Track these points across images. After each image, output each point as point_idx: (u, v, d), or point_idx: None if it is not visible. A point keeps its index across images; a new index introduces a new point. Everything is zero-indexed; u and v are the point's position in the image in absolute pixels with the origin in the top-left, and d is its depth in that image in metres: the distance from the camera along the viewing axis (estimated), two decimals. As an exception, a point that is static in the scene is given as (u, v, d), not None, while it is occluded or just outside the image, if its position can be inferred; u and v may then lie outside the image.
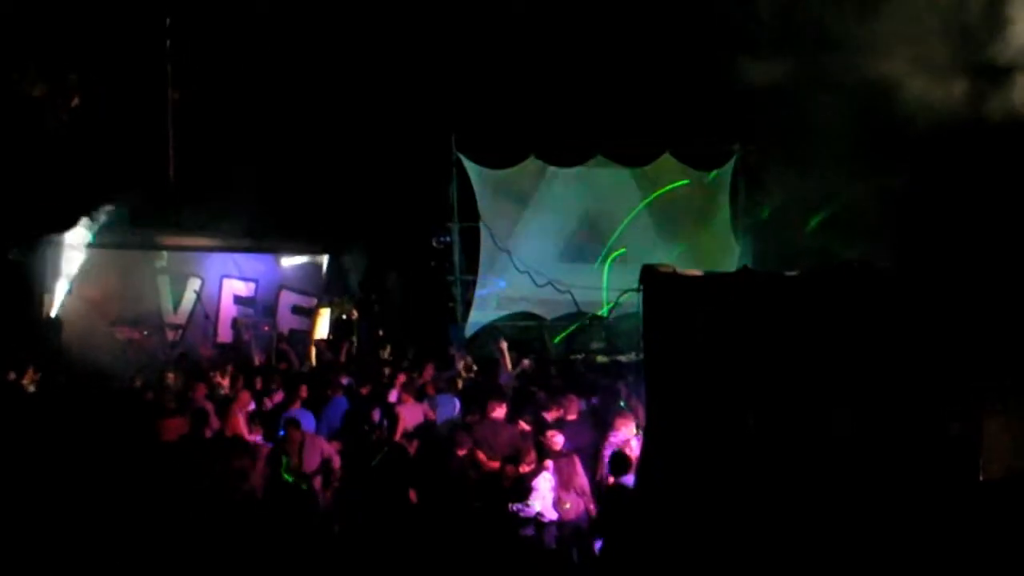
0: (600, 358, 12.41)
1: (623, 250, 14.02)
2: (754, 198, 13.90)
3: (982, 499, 4.82)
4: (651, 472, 5.98)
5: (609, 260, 14.09)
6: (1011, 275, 5.27)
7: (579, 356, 12.79)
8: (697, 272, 6.24)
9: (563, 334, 13.92)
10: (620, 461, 7.01)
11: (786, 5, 7.64)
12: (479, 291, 14.14)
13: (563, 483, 7.24)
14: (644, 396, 6.27)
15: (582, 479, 7.31)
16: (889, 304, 5.24)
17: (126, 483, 7.20)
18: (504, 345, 10.67)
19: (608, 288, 13.49)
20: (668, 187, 14.34)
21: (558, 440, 7.65)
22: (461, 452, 7.74)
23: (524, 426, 8.41)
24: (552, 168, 14.49)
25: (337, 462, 7.96)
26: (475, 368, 11.54)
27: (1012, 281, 5.19)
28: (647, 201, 14.44)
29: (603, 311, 13.39)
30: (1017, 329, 4.97)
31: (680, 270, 6.09)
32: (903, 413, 5.09)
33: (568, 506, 7.21)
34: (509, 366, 10.59)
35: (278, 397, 9.86)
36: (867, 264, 5.68)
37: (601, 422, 8.16)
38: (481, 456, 7.79)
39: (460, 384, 10.33)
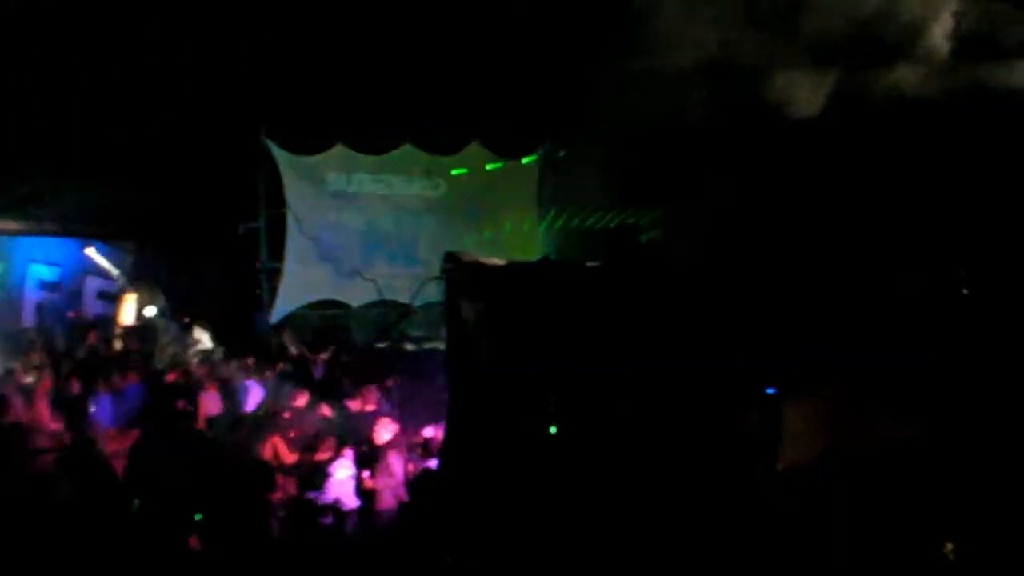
0: (409, 346, 12.54)
1: (428, 237, 14.21)
2: (559, 190, 14.28)
3: (781, 488, 4.95)
4: (454, 457, 6.07)
5: (417, 247, 14.25)
6: (811, 267, 5.56)
7: (385, 344, 12.86)
8: (500, 261, 6.35)
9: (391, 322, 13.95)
10: (425, 448, 7.10)
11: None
12: (285, 279, 13.97)
13: (374, 471, 7.28)
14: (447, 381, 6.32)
15: (395, 467, 7.36)
16: (687, 293, 5.47)
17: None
18: (292, 337, 10.66)
19: (414, 276, 13.61)
20: (463, 171, 14.59)
21: (382, 430, 7.68)
22: (266, 440, 7.70)
23: (325, 413, 8.42)
24: (360, 155, 14.47)
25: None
26: (291, 355, 11.49)
27: (810, 272, 5.49)
28: (457, 188, 14.66)
29: (408, 299, 13.50)
30: (811, 317, 5.25)
31: (483, 259, 6.19)
32: (702, 402, 5.21)
33: (377, 494, 7.25)
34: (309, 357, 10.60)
35: (78, 384, 9.48)
36: (666, 254, 5.87)
37: (406, 410, 8.27)
38: (280, 445, 7.76)
39: (271, 372, 10.25)
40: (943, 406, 5.03)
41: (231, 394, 9.28)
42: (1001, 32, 6.97)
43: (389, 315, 13.76)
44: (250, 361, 10.73)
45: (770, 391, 5.14)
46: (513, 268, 6.32)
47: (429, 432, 7.77)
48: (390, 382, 9.35)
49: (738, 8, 7.27)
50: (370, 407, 8.48)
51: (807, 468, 4.97)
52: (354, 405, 8.61)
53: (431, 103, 13.26)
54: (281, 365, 11.08)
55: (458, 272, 6.04)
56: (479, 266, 6.09)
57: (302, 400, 8.49)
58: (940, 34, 6.98)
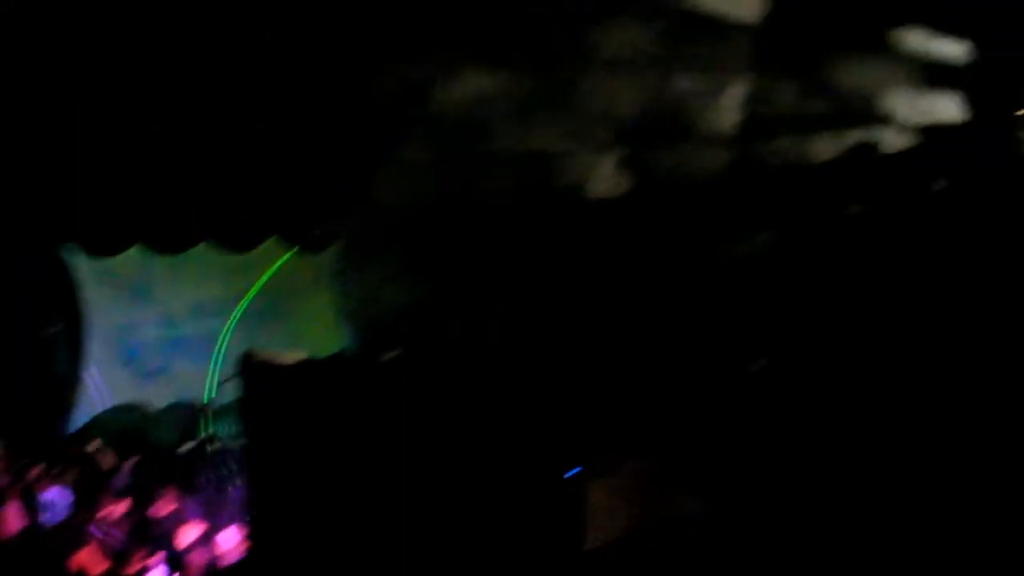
0: (211, 447, 12.59)
1: (229, 335, 14.27)
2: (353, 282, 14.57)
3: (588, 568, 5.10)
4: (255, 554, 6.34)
5: (220, 346, 14.29)
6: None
7: (189, 446, 12.87)
8: (296, 356, 6.71)
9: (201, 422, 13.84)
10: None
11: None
12: (85, 383, 13.80)
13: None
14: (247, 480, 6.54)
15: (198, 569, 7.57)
16: (492, 379, 5.77)
17: None
18: (98, 445, 10.58)
19: (215, 374, 13.68)
20: (274, 268, 14.72)
21: (186, 533, 7.86)
22: (76, 553, 7.70)
23: (132, 520, 8.49)
24: (157, 255, 14.37)
25: None
26: (95, 462, 11.34)
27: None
28: (258, 285, 14.77)
29: (207, 399, 13.57)
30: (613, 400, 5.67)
31: (277, 355, 6.55)
32: (504, 486, 5.31)
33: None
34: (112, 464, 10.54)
35: None
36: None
37: (209, 510, 8.48)
38: (88, 557, 7.81)
39: (75, 481, 10.14)
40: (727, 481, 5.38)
41: (34, 506, 9.21)
42: (778, 110, 7.75)
43: (191, 415, 13.76)
44: (53, 470, 10.63)
45: (572, 472, 5.29)
46: (308, 363, 6.70)
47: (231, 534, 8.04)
48: (196, 483, 9.54)
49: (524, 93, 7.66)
50: (173, 510, 8.67)
51: (611, 546, 5.15)
52: (159, 509, 8.77)
53: (226, 200, 13.35)
54: (85, 473, 10.99)
55: (251, 370, 6.40)
56: (272, 364, 6.45)
57: (109, 509, 8.56)
58: (722, 113, 7.71)
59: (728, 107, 7.64)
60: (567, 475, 5.36)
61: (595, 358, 6.14)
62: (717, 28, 7.56)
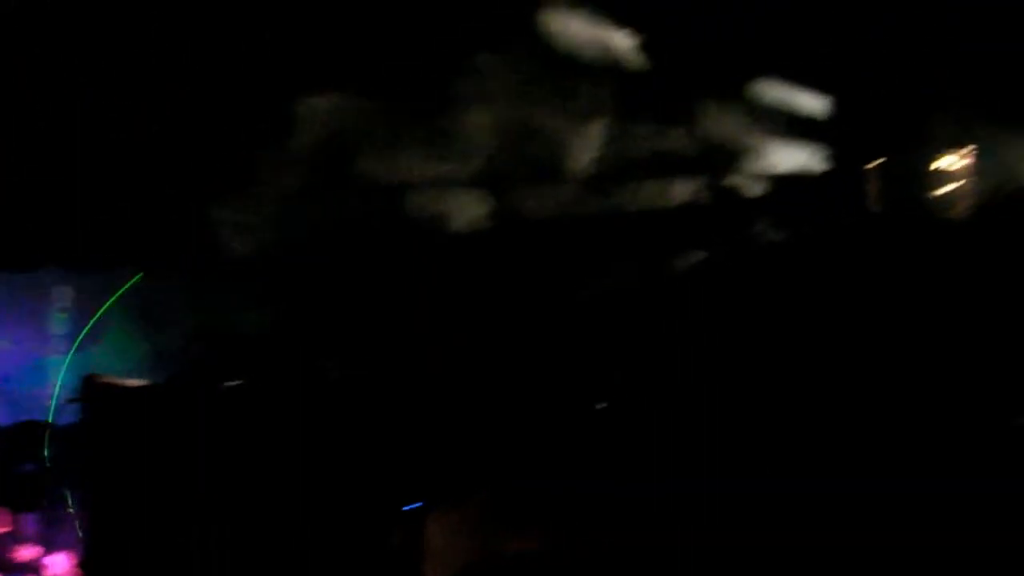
0: (48, 469, 12.12)
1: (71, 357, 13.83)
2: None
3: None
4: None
5: (62, 368, 13.82)
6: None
7: (25, 468, 12.36)
8: (138, 381, 6.54)
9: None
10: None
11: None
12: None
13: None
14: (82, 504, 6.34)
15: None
16: (324, 410, 5.83)
17: None
18: None
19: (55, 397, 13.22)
20: (119, 292, 14.35)
21: (14, 556, 7.55)
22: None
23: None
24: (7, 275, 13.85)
25: None
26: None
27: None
28: (103, 308, 14.34)
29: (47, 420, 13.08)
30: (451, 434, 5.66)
31: (119, 379, 6.37)
32: (346, 524, 5.42)
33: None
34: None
35: None
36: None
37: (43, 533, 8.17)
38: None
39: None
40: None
41: None
42: (638, 153, 7.78)
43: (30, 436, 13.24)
44: None
45: (413, 507, 5.34)
46: (152, 387, 6.52)
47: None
48: (31, 505, 9.18)
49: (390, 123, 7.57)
50: (6, 531, 8.32)
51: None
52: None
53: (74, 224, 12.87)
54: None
55: (92, 393, 6.20)
56: (115, 387, 6.26)
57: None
58: (583, 155, 7.70)
59: (590, 147, 7.72)
60: (406, 508, 5.38)
61: (438, 393, 6.09)
62: (584, 69, 7.64)
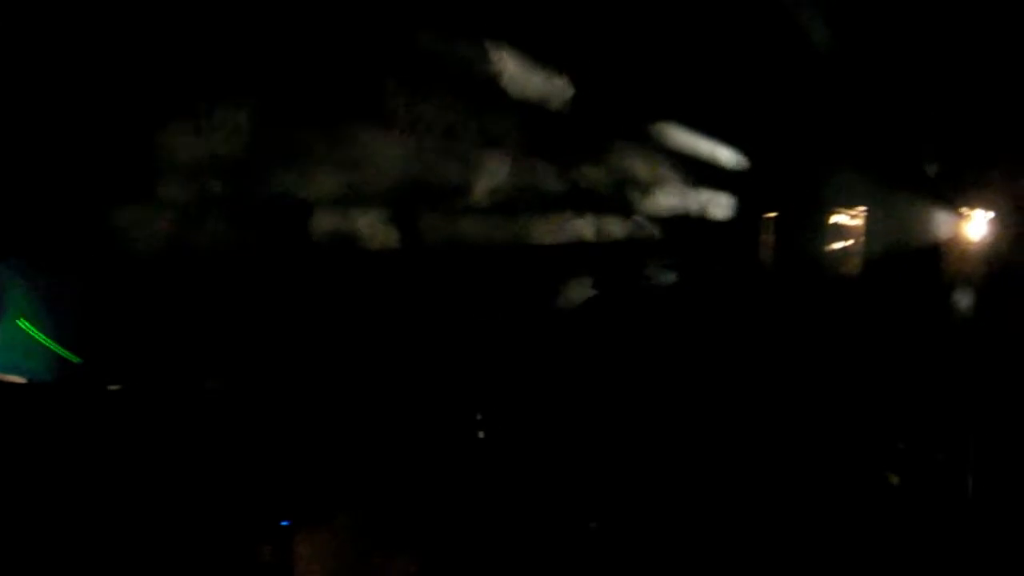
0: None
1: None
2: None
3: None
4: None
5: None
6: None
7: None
8: (16, 378, 6.37)
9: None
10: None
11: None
12: None
13: None
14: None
15: None
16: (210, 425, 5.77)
17: None
18: None
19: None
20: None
21: None
22: None
23: None
24: None
25: None
26: None
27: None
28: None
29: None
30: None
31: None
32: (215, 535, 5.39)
33: None
34: None
35: None
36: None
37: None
38: None
39: None
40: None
41: None
42: (544, 189, 7.88)
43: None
44: None
45: (284, 523, 5.36)
46: (26, 388, 6.40)
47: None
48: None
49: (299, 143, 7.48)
50: None
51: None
52: None
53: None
54: None
55: None
56: None
57: None
58: (482, 188, 7.77)
59: (497, 180, 7.79)
60: (282, 524, 5.42)
61: (318, 413, 6.06)
62: (497, 104, 7.72)
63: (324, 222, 7.53)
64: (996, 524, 6.31)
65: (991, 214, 7.97)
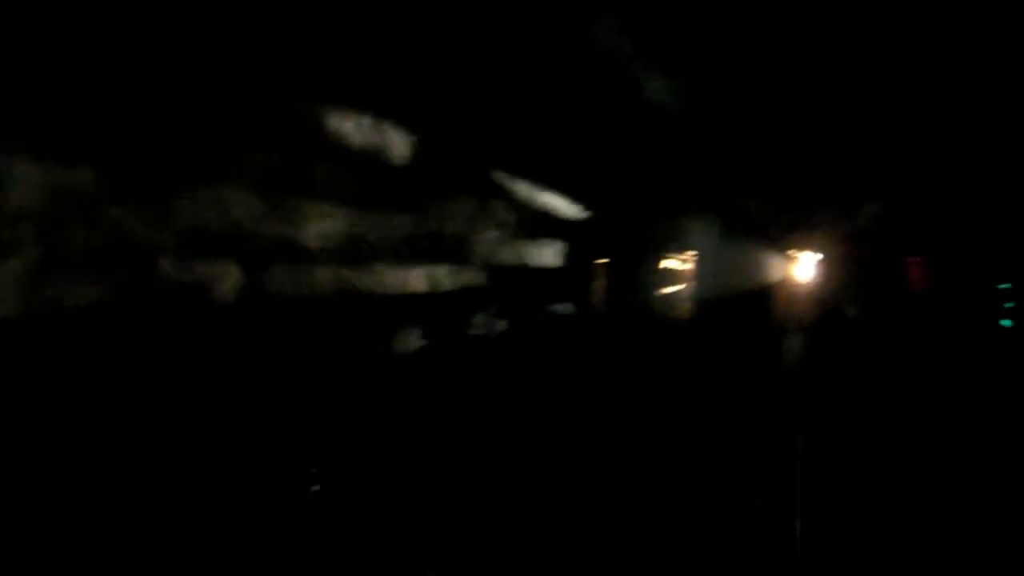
0: None
1: None
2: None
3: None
4: None
5: None
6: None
7: None
8: None
9: None
10: None
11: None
12: None
13: None
14: None
15: None
16: None
17: None
18: None
19: None
20: None
21: None
22: None
23: None
24: None
25: None
26: None
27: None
28: None
29: None
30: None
31: None
32: None
33: None
34: None
35: None
36: None
37: None
38: None
39: None
40: None
41: None
42: (379, 240, 7.84)
43: None
44: None
45: None
46: None
47: None
48: None
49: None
50: None
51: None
52: None
53: None
54: None
55: None
56: None
57: None
58: (314, 238, 7.67)
59: (333, 231, 7.75)
60: None
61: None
62: (331, 156, 7.70)
63: (157, 272, 7.39)
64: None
65: (818, 256, 8.17)
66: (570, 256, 8.42)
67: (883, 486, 6.59)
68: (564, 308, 8.30)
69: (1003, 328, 6.97)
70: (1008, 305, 7.03)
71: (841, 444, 6.72)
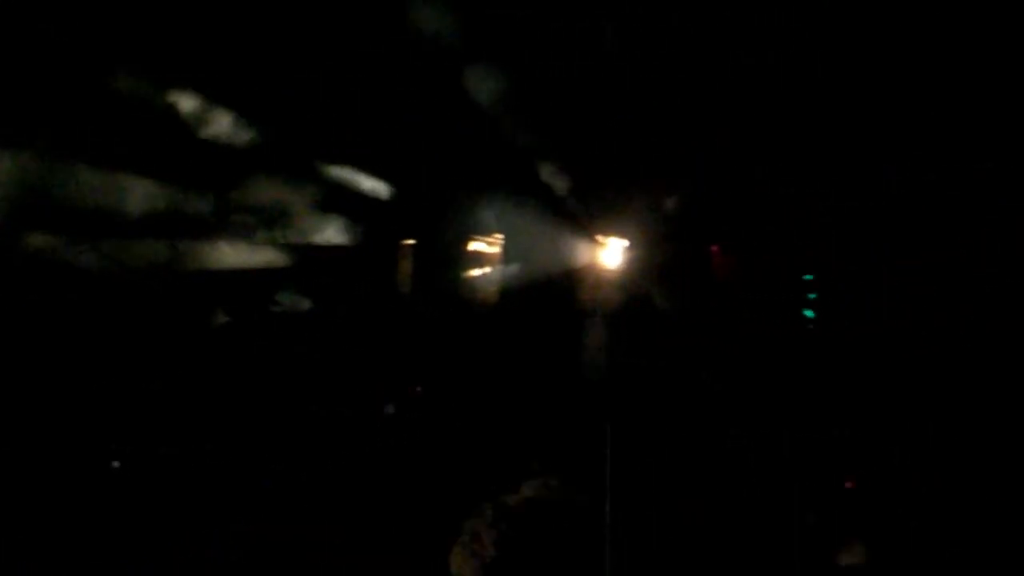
0: None
1: None
2: None
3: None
4: None
5: None
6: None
7: None
8: None
9: None
10: None
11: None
12: None
13: None
14: None
15: None
16: None
17: None
18: None
19: None
20: None
21: None
22: None
23: None
24: None
25: None
26: None
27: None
28: None
29: None
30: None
31: None
32: None
33: None
34: None
35: None
36: None
37: None
38: None
39: None
40: None
41: None
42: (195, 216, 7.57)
43: None
44: None
45: None
46: None
47: None
48: None
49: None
50: None
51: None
52: None
53: None
54: None
55: None
56: None
57: None
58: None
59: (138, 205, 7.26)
60: None
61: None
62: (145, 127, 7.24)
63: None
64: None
65: (625, 243, 8.18)
66: (374, 235, 8.12)
67: (689, 472, 6.65)
68: (367, 288, 8.02)
69: (806, 318, 7.18)
70: (811, 296, 7.25)
71: (650, 432, 6.74)
